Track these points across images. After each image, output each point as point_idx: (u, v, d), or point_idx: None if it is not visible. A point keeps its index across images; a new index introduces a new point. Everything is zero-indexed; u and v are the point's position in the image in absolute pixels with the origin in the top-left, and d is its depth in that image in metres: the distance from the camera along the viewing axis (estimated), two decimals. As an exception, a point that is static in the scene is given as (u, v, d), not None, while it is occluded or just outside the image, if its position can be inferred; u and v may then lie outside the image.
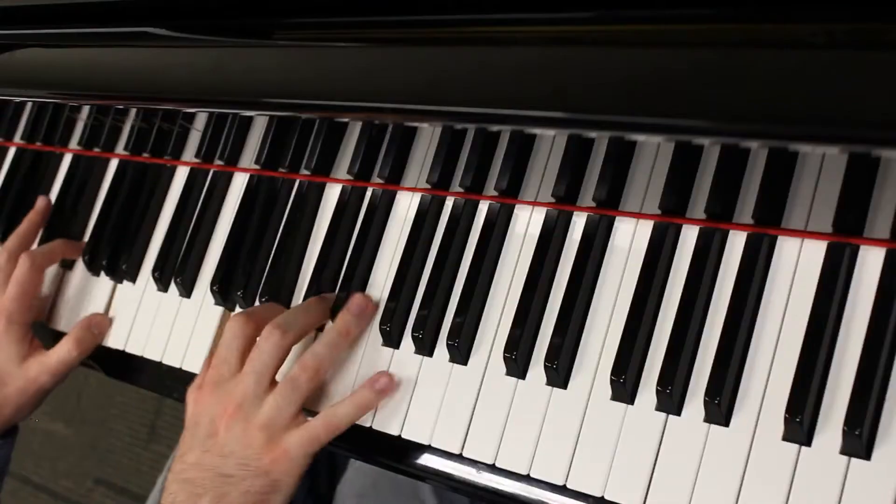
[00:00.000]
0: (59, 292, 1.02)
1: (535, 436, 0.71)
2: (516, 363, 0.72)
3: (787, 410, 0.62)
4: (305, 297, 0.84)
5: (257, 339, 0.79)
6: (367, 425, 0.78)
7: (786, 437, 0.63)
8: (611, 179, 0.73)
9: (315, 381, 0.78)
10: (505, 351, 0.73)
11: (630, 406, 0.68)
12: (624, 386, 0.68)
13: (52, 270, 1.02)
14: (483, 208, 0.79)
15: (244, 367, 0.78)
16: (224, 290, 0.89)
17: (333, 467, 1.09)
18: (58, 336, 0.96)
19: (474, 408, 0.74)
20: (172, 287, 0.93)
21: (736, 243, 0.68)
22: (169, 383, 0.90)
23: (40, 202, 1.03)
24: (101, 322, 0.95)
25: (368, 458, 0.81)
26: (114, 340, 0.96)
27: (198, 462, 0.77)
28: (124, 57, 0.84)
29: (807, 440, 0.62)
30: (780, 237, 0.67)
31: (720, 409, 0.64)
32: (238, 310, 0.88)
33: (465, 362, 0.75)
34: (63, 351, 0.92)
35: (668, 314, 0.69)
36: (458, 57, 0.67)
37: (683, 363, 0.67)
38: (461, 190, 0.80)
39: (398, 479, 0.88)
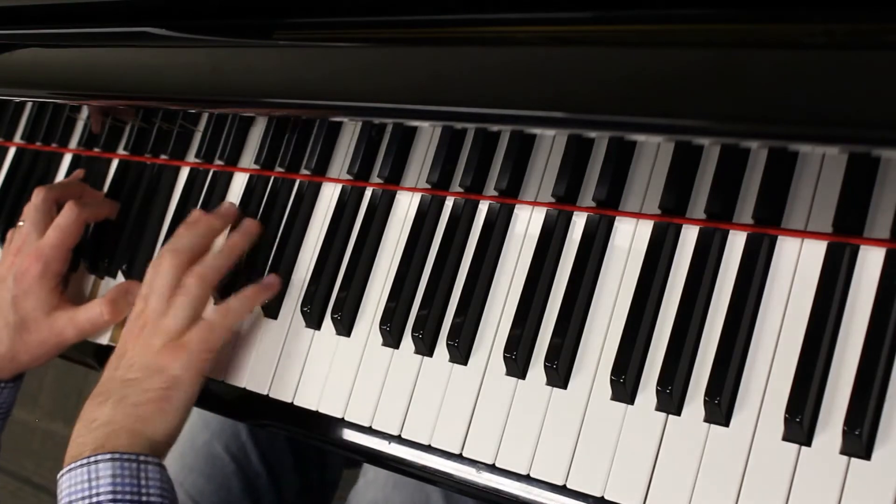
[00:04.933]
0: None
1: (535, 436, 0.71)
2: (516, 363, 0.72)
3: (787, 410, 0.62)
4: (305, 298, 0.84)
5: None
6: (367, 425, 0.78)
7: (786, 437, 0.63)
8: (611, 179, 0.73)
9: (205, 288, 0.81)
10: (505, 351, 0.73)
11: (630, 406, 0.68)
12: (624, 386, 0.68)
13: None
14: (483, 208, 0.79)
15: (148, 292, 0.82)
16: (224, 290, 0.89)
17: (324, 465, 1.09)
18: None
19: (474, 408, 0.74)
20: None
21: (736, 243, 0.68)
22: (169, 383, 0.90)
23: (78, 173, 1.02)
24: (136, 291, 0.91)
25: (368, 458, 0.81)
26: (116, 341, 0.95)
27: (109, 377, 0.79)
28: (124, 57, 0.84)
29: (807, 440, 0.62)
30: (780, 237, 0.67)
31: (720, 409, 0.64)
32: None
33: (465, 362, 0.75)
34: (94, 311, 0.90)
35: (668, 314, 0.69)
36: (458, 57, 0.67)
37: (683, 363, 0.67)
38: (461, 190, 0.80)
39: (410, 490, 0.88)
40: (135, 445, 0.74)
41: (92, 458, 0.73)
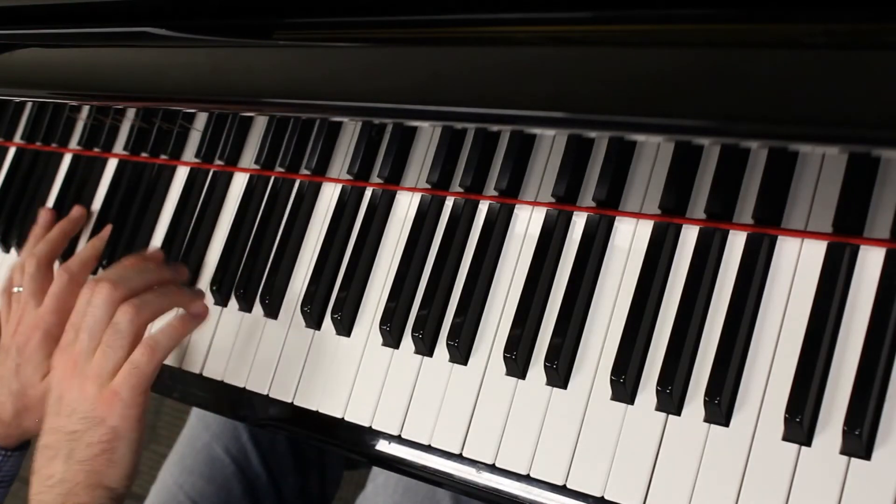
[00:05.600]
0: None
1: (535, 436, 0.71)
2: (516, 363, 0.72)
3: (787, 410, 0.62)
4: (305, 298, 0.84)
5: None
6: (367, 425, 0.78)
7: (786, 437, 0.63)
8: (611, 179, 0.73)
9: (136, 325, 0.79)
10: (505, 351, 0.73)
11: (630, 406, 0.68)
12: (624, 386, 0.68)
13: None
14: (483, 208, 0.79)
15: (80, 325, 0.80)
16: (224, 290, 0.89)
17: (324, 466, 1.09)
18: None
19: (474, 408, 0.74)
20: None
21: (736, 243, 0.68)
22: (169, 383, 0.90)
23: (76, 211, 1.02)
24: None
25: (368, 458, 0.81)
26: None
27: (51, 426, 0.79)
28: (124, 57, 0.84)
29: (807, 440, 0.62)
30: (780, 237, 0.67)
31: (720, 408, 0.64)
32: (241, 312, 0.88)
33: (464, 362, 0.75)
34: None
35: (668, 314, 0.69)
36: (458, 57, 0.67)
37: (683, 363, 0.67)
38: (461, 190, 0.80)
39: (420, 496, 0.88)
40: (95, 498, 0.76)
41: None
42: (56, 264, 0.96)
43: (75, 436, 0.77)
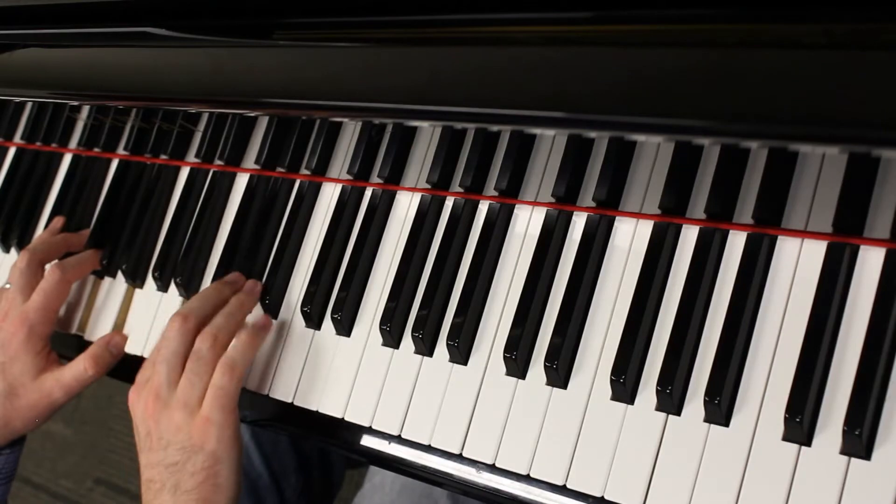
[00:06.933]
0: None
1: (535, 436, 0.71)
2: (516, 363, 0.72)
3: (787, 410, 0.62)
4: (305, 298, 0.84)
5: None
6: (368, 425, 0.78)
7: (786, 437, 0.63)
8: (611, 179, 0.73)
9: (216, 349, 0.80)
10: (505, 351, 0.73)
11: (630, 406, 0.68)
12: (624, 386, 0.68)
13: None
14: (483, 208, 0.79)
15: (156, 359, 0.80)
16: (224, 290, 0.89)
17: (326, 465, 1.09)
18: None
19: (474, 408, 0.74)
20: (172, 288, 0.93)
21: (736, 243, 0.68)
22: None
23: (84, 233, 1.01)
24: (119, 342, 0.93)
25: (368, 458, 0.81)
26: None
27: (148, 462, 0.79)
28: (124, 57, 0.84)
29: (807, 440, 0.62)
30: (780, 237, 0.67)
31: (720, 409, 0.64)
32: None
33: (464, 362, 0.75)
34: (79, 369, 0.90)
35: (668, 314, 0.69)
36: (458, 57, 0.67)
37: (683, 363, 0.67)
38: (461, 190, 0.80)
39: (417, 495, 0.88)
40: None
41: None
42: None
43: (177, 467, 0.77)
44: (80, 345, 0.97)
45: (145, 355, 0.92)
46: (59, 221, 1.03)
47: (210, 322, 0.81)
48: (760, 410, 0.64)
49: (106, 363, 0.91)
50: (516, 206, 0.78)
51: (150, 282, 0.95)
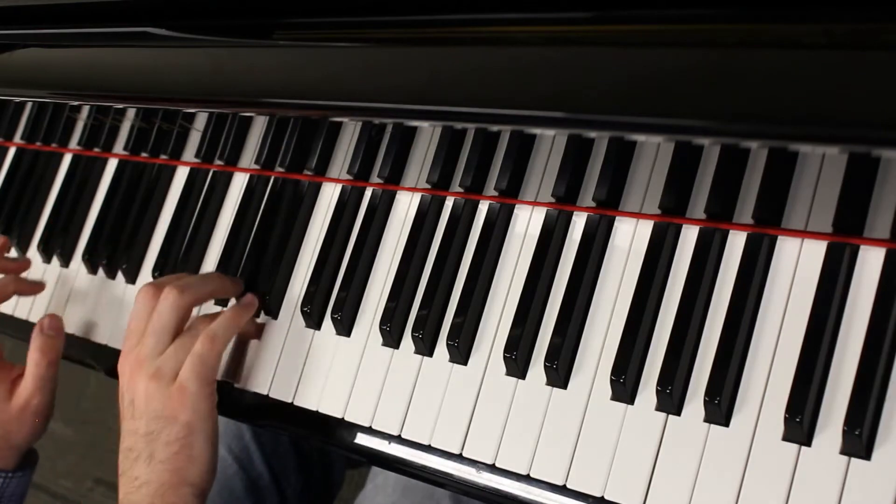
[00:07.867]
0: (60, 293, 1.02)
1: (535, 436, 0.71)
2: (516, 363, 0.72)
3: (787, 410, 0.62)
4: (305, 298, 0.84)
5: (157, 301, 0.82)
6: (367, 425, 0.78)
7: (786, 437, 0.63)
8: (611, 179, 0.73)
9: (215, 351, 0.80)
10: (505, 351, 0.73)
11: (630, 406, 0.68)
12: (624, 386, 0.68)
13: (54, 269, 1.02)
14: (483, 208, 0.79)
15: (146, 330, 0.81)
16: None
17: (327, 465, 1.09)
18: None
19: (474, 408, 0.74)
20: (172, 287, 0.93)
21: (736, 243, 0.68)
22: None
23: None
24: (52, 323, 0.92)
25: (368, 458, 0.81)
26: (114, 341, 0.96)
27: (127, 429, 0.80)
28: (124, 57, 0.84)
29: (807, 440, 0.62)
30: (780, 237, 0.67)
31: (720, 409, 0.64)
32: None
33: (464, 362, 0.75)
34: (32, 365, 0.90)
35: (668, 314, 0.69)
36: (458, 57, 0.67)
37: (683, 363, 0.67)
38: (461, 190, 0.80)
39: (419, 496, 0.88)
40: (181, 496, 0.77)
41: None
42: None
43: (152, 436, 0.78)
44: (89, 348, 0.97)
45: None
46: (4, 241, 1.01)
47: (217, 321, 0.81)
48: (760, 410, 0.64)
49: (52, 346, 0.91)
50: (516, 206, 0.78)
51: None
